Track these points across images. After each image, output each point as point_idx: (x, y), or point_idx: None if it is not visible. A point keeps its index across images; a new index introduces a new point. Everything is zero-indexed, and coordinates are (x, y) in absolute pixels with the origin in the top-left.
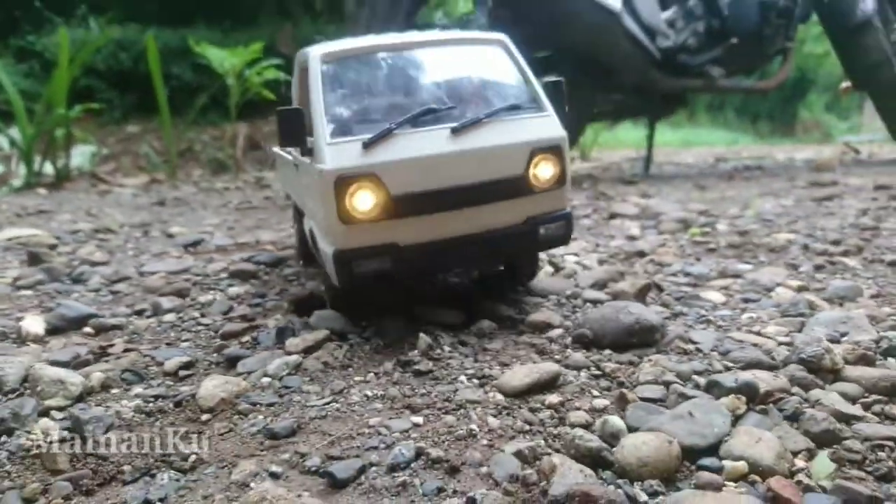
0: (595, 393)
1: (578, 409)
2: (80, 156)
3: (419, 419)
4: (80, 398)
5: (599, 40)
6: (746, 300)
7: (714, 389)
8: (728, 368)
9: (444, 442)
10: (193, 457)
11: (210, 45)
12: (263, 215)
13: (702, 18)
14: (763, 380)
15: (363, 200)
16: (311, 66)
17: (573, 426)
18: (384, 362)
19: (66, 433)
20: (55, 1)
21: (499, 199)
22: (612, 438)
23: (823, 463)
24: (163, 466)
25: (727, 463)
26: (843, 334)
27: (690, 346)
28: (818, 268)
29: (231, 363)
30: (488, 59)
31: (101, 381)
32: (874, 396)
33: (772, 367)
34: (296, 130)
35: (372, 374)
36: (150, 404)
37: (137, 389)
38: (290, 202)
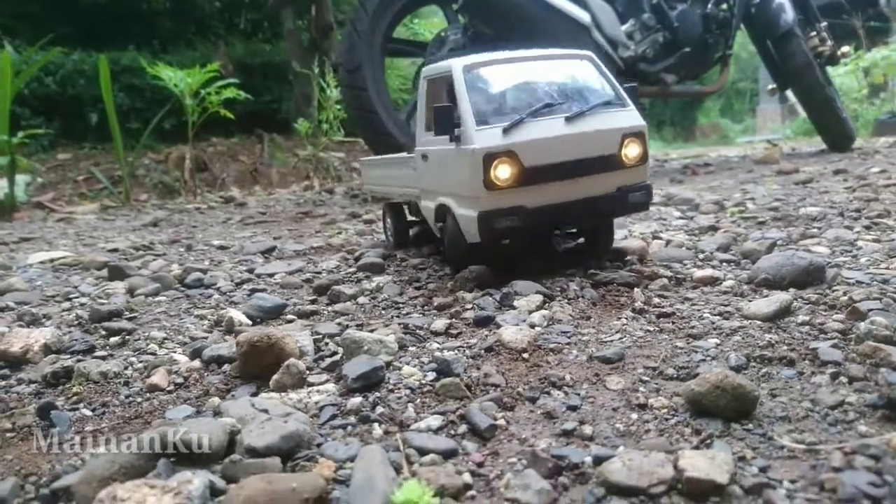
0: (823, 313)
1: (823, 323)
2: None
3: (714, 340)
4: (395, 353)
5: None
6: (846, 251)
7: None
8: None
9: (754, 350)
10: (567, 377)
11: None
12: (287, 227)
13: (656, 30)
14: None
15: (503, 171)
16: (455, 75)
17: (836, 332)
18: (619, 310)
19: (431, 373)
20: None
21: (599, 172)
22: (884, 329)
23: None
24: (548, 386)
25: None
26: None
27: (851, 281)
28: (867, 227)
29: (481, 323)
30: (580, 70)
31: (396, 341)
32: None
33: None
34: (448, 122)
35: (623, 319)
36: (465, 351)
37: (434, 345)
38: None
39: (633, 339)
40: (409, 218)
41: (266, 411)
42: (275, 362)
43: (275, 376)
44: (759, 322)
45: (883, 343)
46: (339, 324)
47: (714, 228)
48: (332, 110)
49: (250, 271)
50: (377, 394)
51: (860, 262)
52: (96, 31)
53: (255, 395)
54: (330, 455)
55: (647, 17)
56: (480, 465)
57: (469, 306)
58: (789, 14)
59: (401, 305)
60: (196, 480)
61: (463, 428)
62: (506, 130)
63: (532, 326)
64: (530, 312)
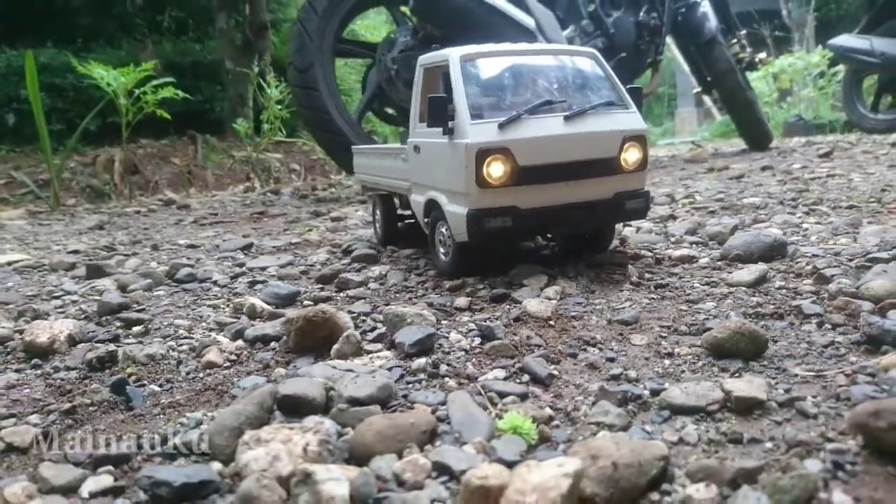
0: (794, 279)
1: (797, 287)
2: None
3: (711, 303)
4: (435, 325)
5: None
6: (795, 231)
7: (872, 265)
8: (851, 259)
9: (747, 309)
10: (597, 336)
11: (97, 64)
12: (248, 226)
13: (595, 36)
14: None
15: (496, 169)
16: (451, 65)
17: (810, 292)
18: (618, 285)
19: (477, 339)
20: None
21: (596, 176)
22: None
23: None
24: (583, 345)
25: None
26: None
27: (809, 254)
28: (807, 213)
29: (498, 299)
30: (583, 67)
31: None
32: None
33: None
34: (442, 113)
35: (625, 292)
36: (496, 321)
37: (464, 318)
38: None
39: (641, 305)
40: (400, 211)
41: (352, 370)
42: (328, 336)
43: (335, 346)
44: (744, 288)
45: (851, 297)
46: (364, 304)
47: (673, 217)
48: (273, 110)
49: (240, 265)
50: (435, 356)
51: (811, 240)
52: (8, 26)
53: (314, 364)
54: (422, 401)
55: (586, 24)
56: (553, 403)
57: (481, 286)
58: (713, 22)
59: (412, 289)
60: (327, 422)
61: (525, 378)
62: (501, 126)
63: (549, 299)
64: (542, 289)
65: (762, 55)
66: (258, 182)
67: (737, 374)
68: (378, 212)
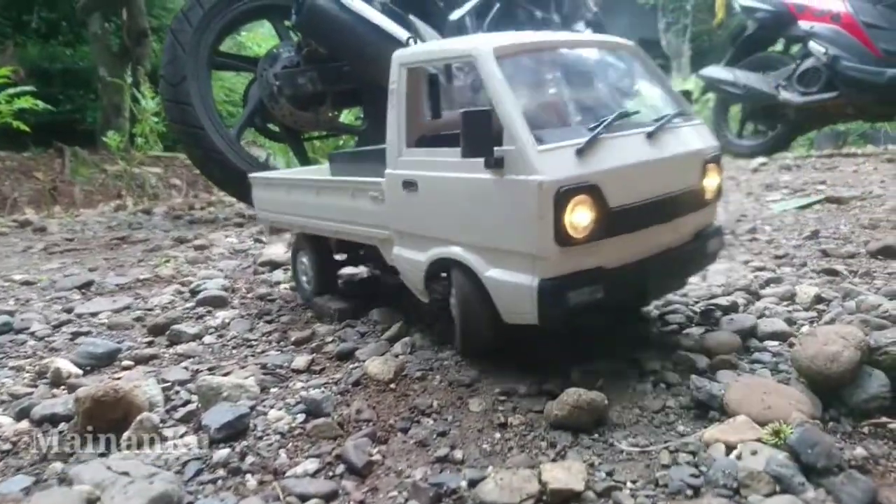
0: (642, 325)
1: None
2: None
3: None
4: (257, 397)
5: None
6: None
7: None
8: (696, 302)
9: (590, 363)
10: (434, 403)
11: None
12: (102, 255)
13: None
14: None
15: (582, 216)
16: (483, 64)
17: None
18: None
19: (301, 415)
20: None
21: (684, 213)
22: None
23: None
24: (418, 415)
25: None
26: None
27: None
28: None
29: (344, 356)
30: (630, 65)
31: (257, 383)
32: None
33: None
34: (485, 137)
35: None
36: (332, 388)
37: (298, 384)
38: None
39: (485, 361)
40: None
41: (127, 473)
42: (123, 417)
43: (126, 433)
44: None
45: (688, 351)
46: (186, 368)
47: None
48: (149, 122)
49: (68, 311)
50: (245, 442)
51: None
52: None
53: (104, 455)
54: None
55: None
56: (362, 503)
57: (330, 339)
58: None
59: (253, 343)
60: None
61: (340, 468)
62: (580, 152)
63: (396, 356)
64: (392, 342)
65: None
66: (131, 199)
67: (561, 454)
68: (305, 260)
